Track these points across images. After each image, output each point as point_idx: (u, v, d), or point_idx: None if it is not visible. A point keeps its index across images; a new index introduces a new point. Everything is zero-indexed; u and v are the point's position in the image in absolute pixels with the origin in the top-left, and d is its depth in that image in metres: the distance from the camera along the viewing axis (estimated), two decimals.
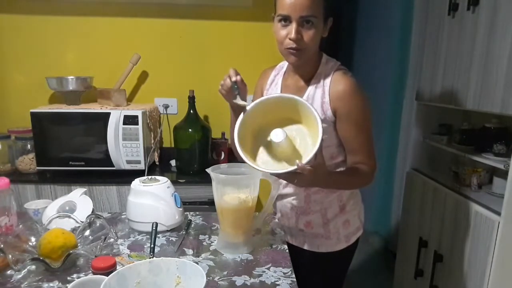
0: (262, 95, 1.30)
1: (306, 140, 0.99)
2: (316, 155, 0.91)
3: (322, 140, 0.91)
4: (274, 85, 1.26)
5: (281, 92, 1.23)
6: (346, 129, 1.12)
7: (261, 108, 1.00)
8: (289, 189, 1.26)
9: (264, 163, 0.99)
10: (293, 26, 1.02)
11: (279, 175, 0.98)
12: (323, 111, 1.12)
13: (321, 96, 1.12)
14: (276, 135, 0.93)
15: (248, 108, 1.00)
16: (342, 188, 1.20)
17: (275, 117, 1.00)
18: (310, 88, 1.14)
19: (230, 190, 1.09)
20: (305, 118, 0.99)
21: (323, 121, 1.11)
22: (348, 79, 1.10)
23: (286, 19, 1.03)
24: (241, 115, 1.00)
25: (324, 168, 0.98)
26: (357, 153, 1.13)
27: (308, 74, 1.16)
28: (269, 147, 1.00)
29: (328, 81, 1.12)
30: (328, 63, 1.15)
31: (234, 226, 1.11)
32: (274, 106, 1.00)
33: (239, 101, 1.03)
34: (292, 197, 1.26)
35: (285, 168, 0.93)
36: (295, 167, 0.89)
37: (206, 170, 1.10)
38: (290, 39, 1.03)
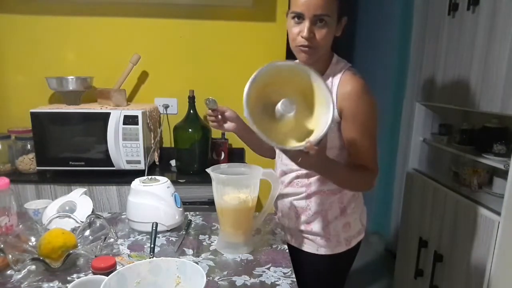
0: None
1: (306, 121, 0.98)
2: (324, 135, 0.90)
3: (332, 121, 0.91)
4: None
5: None
6: (350, 130, 1.10)
7: (273, 74, 0.96)
8: (290, 189, 1.25)
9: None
10: (305, 24, 1.02)
11: (285, 151, 0.96)
12: None
13: None
14: (285, 106, 0.90)
15: (262, 69, 0.94)
16: (340, 181, 1.12)
17: (279, 91, 0.97)
18: None
19: (230, 190, 1.09)
20: (311, 98, 0.97)
21: None
22: (357, 80, 1.09)
23: (299, 17, 1.03)
24: (253, 76, 0.95)
25: (325, 153, 0.99)
26: (359, 156, 1.11)
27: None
28: (272, 120, 0.97)
29: (336, 81, 1.11)
30: (338, 64, 1.14)
31: (234, 226, 1.11)
32: (282, 76, 0.97)
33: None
34: (293, 197, 1.25)
35: (290, 143, 0.93)
36: (303, 144, 0.89)
37: (206, 170, 1.10)
38: (302, 37, 1.03)
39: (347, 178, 1.11)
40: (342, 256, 1.24)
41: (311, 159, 0.91)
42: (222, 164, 1.16)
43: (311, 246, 1.25)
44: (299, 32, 1.04)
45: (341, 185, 1.17)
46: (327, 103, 0.94)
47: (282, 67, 0.97)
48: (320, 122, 0.95)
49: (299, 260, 1.24)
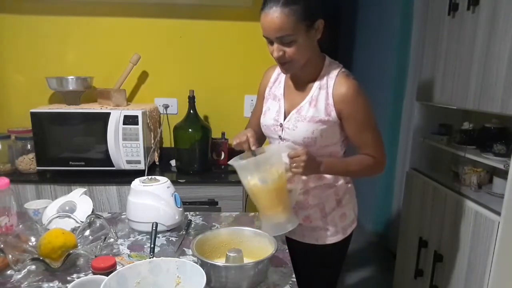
0: (264, 94, 1.31)
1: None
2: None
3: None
4: (278, 83, 1.28)
5: (284, 91, 1.25)
6: (351, 128, 1.18)
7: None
8: (289, 186, 1.27)
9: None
10: (274, 46, 1.09)
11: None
12: (327, 112, 1.15)
13: (325, 98, 1.16)
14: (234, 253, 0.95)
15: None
16: (350, 172, 1.24)
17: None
18: (314, 90, 1.18)
19: (257, 172, 1.08)
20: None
21: (326, 122, 1.16)
22: (350, 81, 1.14)
23: (268, 39, 1.09)
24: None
25: (315, 160, 1.12)
26: (365, 148, 1.20)
27: (310, 75, 1.19)
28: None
29: (331, 83, 1.15)
30: (331, 66, 1.19)
31: (272, 206, 1.10)
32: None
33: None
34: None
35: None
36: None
37: (229, 163, 1.11)
38: (273, 56, 1.10)
39: (352, 171, 1.23)
40: (339, 245, 1.31)
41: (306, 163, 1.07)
42: (241, 155, 1.14)
43: (311, 238, 1.30)
44: (272, 51, 1.10)
45: (351, 176, 1.31)
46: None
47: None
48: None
49: (300, 252, 1.27)
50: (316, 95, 1.16)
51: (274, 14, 1.02)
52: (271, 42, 1.09)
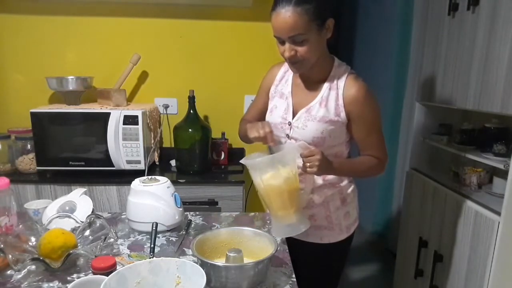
0: (268, 92, 1.31)
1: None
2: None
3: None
4: (285, 81, 1.28)
5: (291, 89, 1.25)
6: (359, 129, 1.20)
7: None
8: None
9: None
10: (286, 45, 1.09)
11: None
12: (337, 113, 1.17)
13: (335, 98, 1.17)
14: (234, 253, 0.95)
15: None
16: (355, 172, 1.26)
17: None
18: (325, 90, 1.18)
19: (271, 172, 1.07)
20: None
21: (335, 123, 1.17)
22: (360, 84, 1.16)
23: (279, 38, 1.09)
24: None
25: (327, 159, 1.12)
26: (369, 149, 1.23)
27: (319, 75, 1.19)
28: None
29: (341, 84, 1.17)
30: (340, 67, 1.20)
31: (284, 206, 1.09)
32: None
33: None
34: None
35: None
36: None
37: (241, 161, 1.10)
38: (285, 56, 1.10)
39: (357, 171, 1.25)
40: (342, 243, 1.32)
41: (319, 162, 1.07)
42: (252, 154, 1.13)
43: (315, 237, 1.31)
44: (283, 51, 1.10)
45: (356, 177, 1.32)
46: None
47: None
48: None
49: (303, 251, 1.28)
50: (326, 95, 1.17)
51: (287, 14, 1.02)
52: (282, 42, 1.09)
